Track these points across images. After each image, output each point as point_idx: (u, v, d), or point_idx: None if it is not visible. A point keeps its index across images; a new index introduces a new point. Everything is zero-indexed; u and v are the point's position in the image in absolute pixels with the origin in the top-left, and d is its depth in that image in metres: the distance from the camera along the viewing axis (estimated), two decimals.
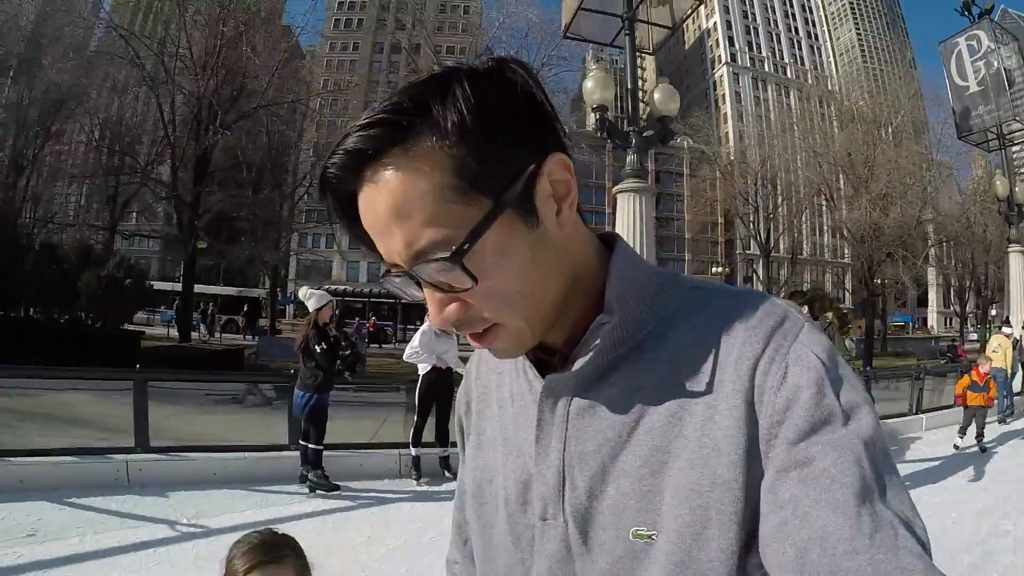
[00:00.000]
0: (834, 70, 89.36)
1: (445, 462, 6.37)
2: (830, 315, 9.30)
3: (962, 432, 8.33)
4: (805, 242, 52.13)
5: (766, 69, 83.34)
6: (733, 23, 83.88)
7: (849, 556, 0.49)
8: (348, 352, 8.59)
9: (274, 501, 5.53)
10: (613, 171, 50.06)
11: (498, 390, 0.76)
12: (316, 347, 5.81)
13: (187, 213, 23.02)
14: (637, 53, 10.52)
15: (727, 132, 71.70)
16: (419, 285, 0.60)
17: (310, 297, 6.10)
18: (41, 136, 25.67)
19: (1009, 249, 15.74)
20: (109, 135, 27.09)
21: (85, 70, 26.54)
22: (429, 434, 6.37)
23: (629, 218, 9.12)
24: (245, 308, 33.39)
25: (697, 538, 0.58)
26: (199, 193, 23.84)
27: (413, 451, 6.26)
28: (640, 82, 10.47)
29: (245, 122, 25.89)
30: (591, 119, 9.53)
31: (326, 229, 40.26)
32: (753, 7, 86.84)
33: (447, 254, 0.55)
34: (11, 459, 5.47)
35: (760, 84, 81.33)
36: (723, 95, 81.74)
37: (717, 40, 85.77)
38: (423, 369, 6.29)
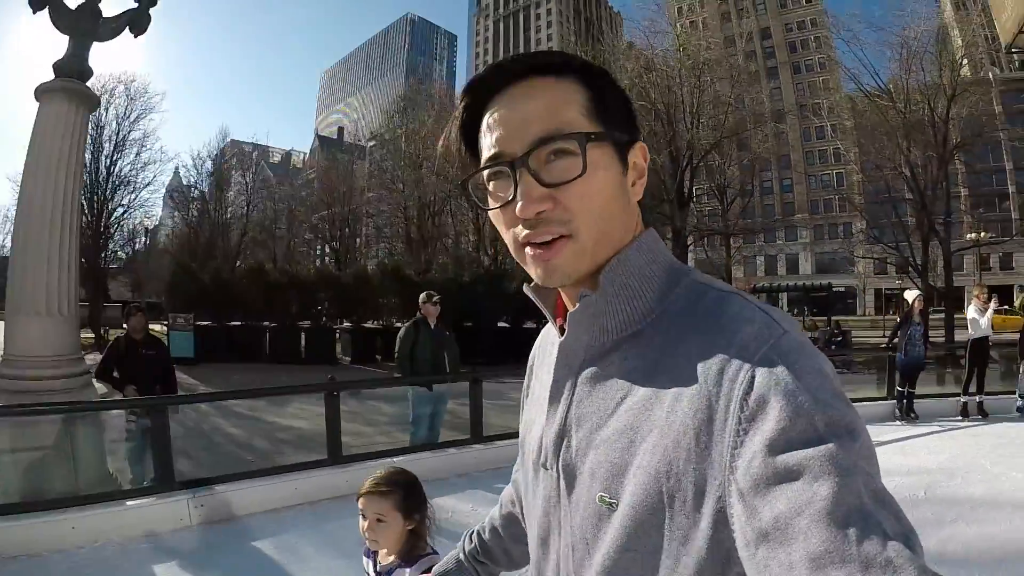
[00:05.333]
0: None
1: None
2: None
3: None
4: None
5: None
6: None
7: (837, 566, 0.50)
8: None
9: None
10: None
11: (547, 356, 0.88)
12: None
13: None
14: None
15: None
16: (514, 184, 0.71)
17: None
18: None
19: None
20: None
21: None
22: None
23: None
24: None
25: (650, 518, 0.65)
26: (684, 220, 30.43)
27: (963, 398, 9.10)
28: None
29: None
30: None
31: None
32: None
33: (579, 132, 0.70)
34: None
35: None
36: None
37: None
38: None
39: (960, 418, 8.93)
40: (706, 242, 34.99)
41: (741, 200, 35.76)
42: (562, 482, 0.76)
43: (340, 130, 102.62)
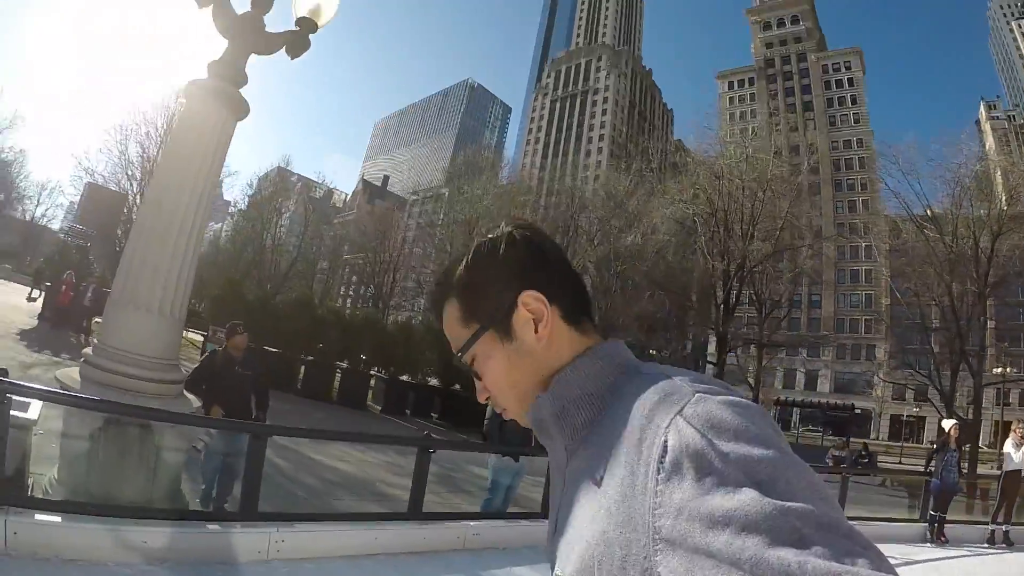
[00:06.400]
0: None
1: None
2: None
3: None
4: None
5: None
6: None
7: None
8: None
9: None
10: None
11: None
12: None
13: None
14: None
15: None
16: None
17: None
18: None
19: None
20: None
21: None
22: None
23: None
24: None
25: None
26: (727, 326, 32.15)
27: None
28: None
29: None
30: None
31: None
32: None
33: (458, 354, 0.90)
34: None
35: None
36: None
37: None
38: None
39: (987, 545, 9.48)
40: (739, 351, 35.13)
41: (779, 312, 35.82)
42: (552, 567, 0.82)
43: (385, 178, 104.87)
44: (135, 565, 4.09)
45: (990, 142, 45.51)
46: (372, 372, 22.37)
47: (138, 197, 38.33)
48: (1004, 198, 31.14)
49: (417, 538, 5.63)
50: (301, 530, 4.95)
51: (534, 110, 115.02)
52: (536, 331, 0.85)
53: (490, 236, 0.91)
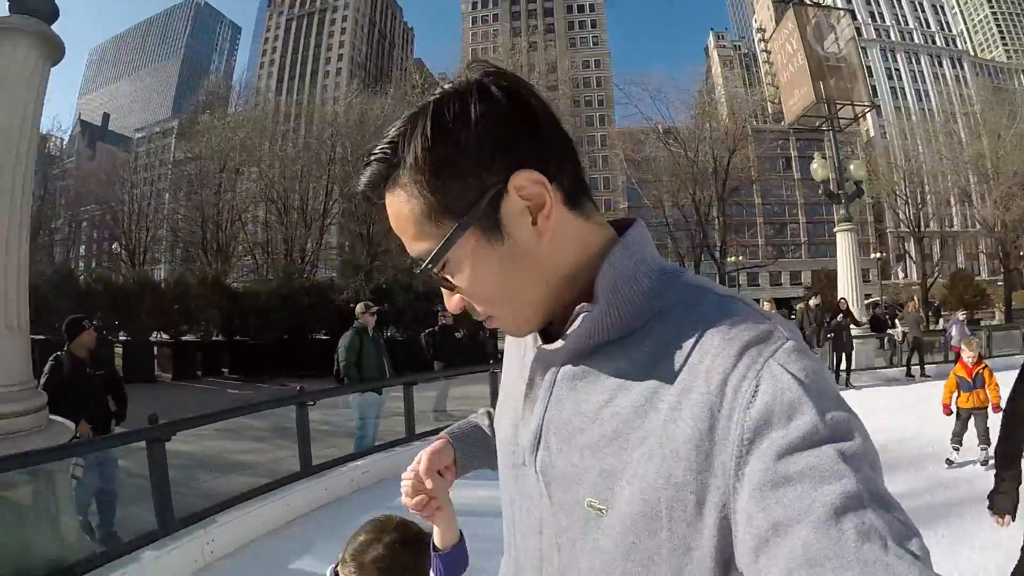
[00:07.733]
0: (962, 24, 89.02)
1: None
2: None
3: (956, 442, 6.32)
4: (955, 216, 53.51)
5: (892, 38, 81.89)
6: None
7: (837, 571, 0.50)
8: None
9: None
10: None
11: (520, 346, 0.83)
12: None
13: None
14: None
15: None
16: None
17: None
18: None
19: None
20: None
21: None
22: None
23: (845, 247, 15.62)
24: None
25: (648, 527, 0.63)
26: None
27: None
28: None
29: None
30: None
31: None
32: None
33: (427, 264, 0.68)
34: None
35: (889, 54, 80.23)
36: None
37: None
38: None
39: None
40: None
41: None
42: (542, 483, 0.74)
43: (106, 116, 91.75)
44: None
45: (716, 68, 52.71)
46: (153, 339, 20.47)
47: None
48: (726, 116, 39.04)
49: (319, 491, 5.79)
50: (223, 523, 4.81)
51: (268, 30, 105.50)
52: (535, 222, 0.67)
53: (451, 88, 0.67)
